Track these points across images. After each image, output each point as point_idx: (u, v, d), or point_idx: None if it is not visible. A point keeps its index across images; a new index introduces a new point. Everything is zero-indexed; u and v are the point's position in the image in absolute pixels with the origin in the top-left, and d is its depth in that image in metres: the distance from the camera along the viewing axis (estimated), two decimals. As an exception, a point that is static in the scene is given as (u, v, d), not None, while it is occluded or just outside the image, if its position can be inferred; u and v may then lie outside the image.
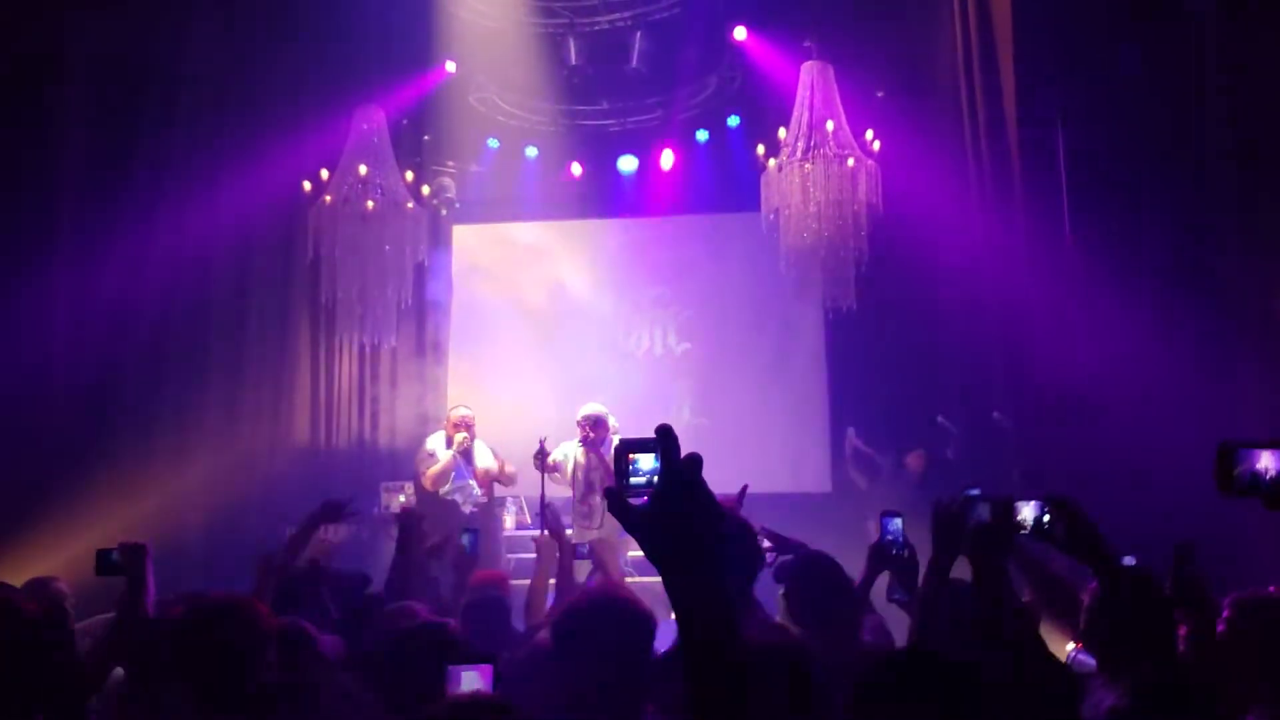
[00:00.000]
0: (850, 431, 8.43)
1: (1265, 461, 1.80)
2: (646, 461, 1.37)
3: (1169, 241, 5.93)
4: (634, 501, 1.32)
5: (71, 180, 7.02)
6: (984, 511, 2.62)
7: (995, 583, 2.35)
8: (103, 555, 3.26)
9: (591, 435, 6.51)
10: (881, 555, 3.41)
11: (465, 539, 4.43)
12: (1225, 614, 2.75)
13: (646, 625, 2.35)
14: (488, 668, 2.37)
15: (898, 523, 3.43)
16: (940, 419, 7.78)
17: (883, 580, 3.70)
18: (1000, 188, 6.58)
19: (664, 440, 1.31)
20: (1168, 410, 5.46)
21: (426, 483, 7.05)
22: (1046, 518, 2.47)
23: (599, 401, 6.93)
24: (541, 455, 6.25)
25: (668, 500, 1.29)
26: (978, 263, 6.94)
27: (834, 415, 8.98)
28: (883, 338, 8.43)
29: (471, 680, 2.33)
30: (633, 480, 1.37)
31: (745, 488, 3.99)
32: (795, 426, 9.03)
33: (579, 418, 6.58)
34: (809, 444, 8.99)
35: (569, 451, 6.66)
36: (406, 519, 4.19)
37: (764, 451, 8.68)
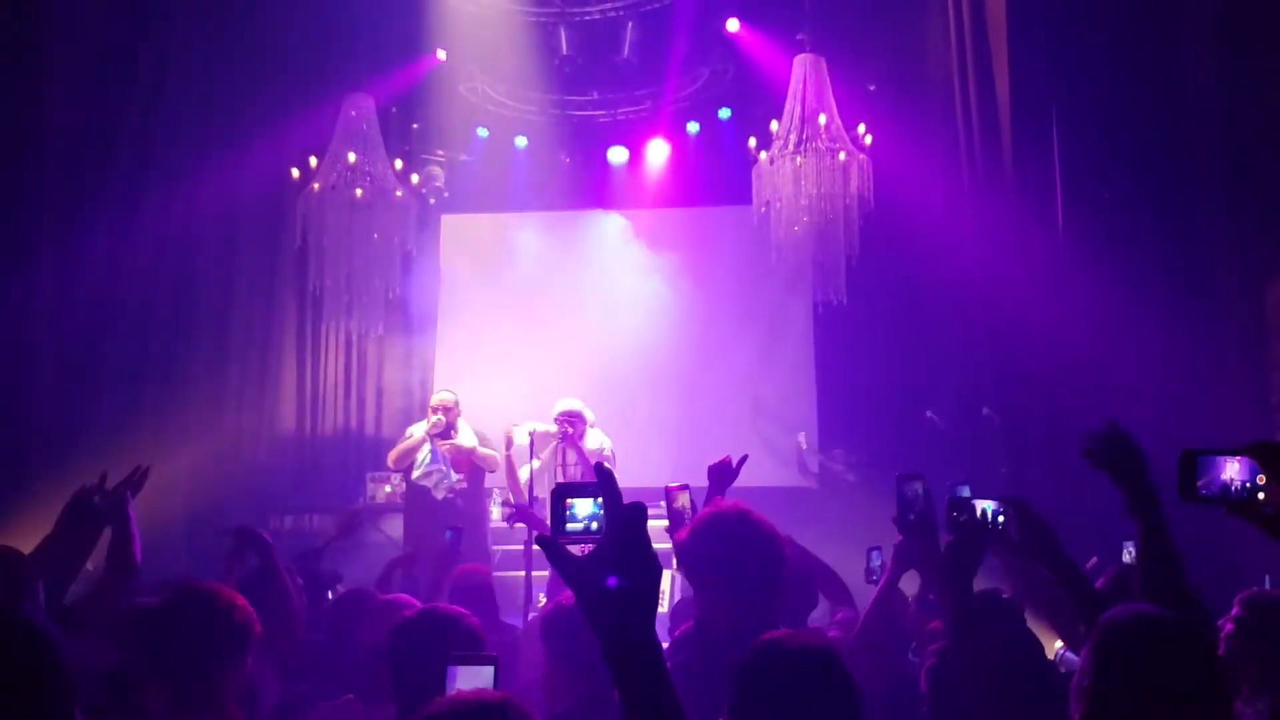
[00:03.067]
0: (800, 436, 8.56)
1: (1227, 469, 1.80)
2: (584, 507, 1.26)
3: (1161, 236, 5.93)
4: (573, 549, 1.21)
5: (55, 165, 6.93)
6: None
7: (966, 579, 2.37)
8: (80, 501, 2.88)
9: (570, 430, 6.45)
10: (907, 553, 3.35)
11: (448, 537, 4.40)
12: (1234, 611, 2.75)
13: None
14: (489, 667, 2.30)
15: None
16: (929, 414, 7.78)
17: (858, 561, 3.67)
18: (993, 182, 6.57)
19: (605, 485, 1.20)
20: (1158, 406, 5.46)
21: (389, 460, 7.12)
22: (1001, 518, 2.43)
23: (583, 395, 6.88)
24: (508, 446, 6.36)
25: (613, 553, 1.17)
26: (969, 257, 6.93)
27: (822, 409, 8.97)
28: (872, 331, 8.42)
29: (472, 677, 2.26)
30: (569, 526, 1.26)
31: (744, 458, 3.48)
32: (783, 420, 9.01)
33: (556, 414, 6.51)
34: (797, 437, 8.97)
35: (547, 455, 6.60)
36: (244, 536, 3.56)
37: (751, 444, 8.62)
